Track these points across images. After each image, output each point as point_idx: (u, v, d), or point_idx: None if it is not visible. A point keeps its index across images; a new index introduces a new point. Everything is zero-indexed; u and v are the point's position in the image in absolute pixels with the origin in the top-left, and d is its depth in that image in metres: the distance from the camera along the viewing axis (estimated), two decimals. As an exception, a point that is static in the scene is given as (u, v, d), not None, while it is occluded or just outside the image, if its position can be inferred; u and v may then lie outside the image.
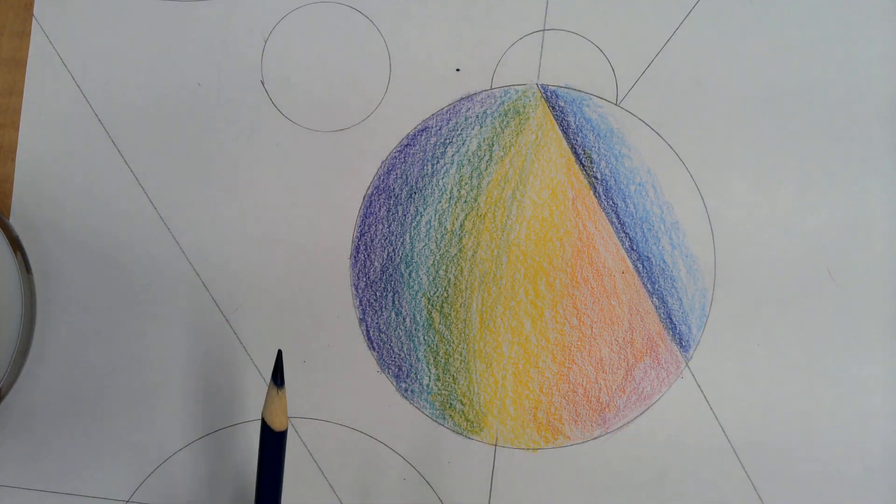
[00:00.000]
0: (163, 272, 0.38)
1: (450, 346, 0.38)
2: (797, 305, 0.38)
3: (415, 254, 0.38)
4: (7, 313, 0.35)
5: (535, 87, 0.39)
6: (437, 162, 0.38)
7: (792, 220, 0.38)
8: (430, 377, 0.37)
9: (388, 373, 0.37)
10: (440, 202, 0.38)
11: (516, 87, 0.39)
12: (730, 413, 0.37)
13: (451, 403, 0.37)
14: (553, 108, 0.38)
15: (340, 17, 0.39)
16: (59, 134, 0.38)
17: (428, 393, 0.37)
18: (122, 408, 0.37)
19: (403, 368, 0.37)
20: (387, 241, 0.38)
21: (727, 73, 0.39)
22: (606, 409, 0.37)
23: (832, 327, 0.38)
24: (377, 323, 0.38)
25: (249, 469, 0.37)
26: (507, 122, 0.38)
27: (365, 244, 0.38)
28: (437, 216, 0.38)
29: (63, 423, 0.37)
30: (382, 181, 0.38)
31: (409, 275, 0.38)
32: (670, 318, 0.38)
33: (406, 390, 0.37)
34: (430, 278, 0.38)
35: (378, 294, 0.38)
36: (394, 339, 0.38)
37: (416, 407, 0.37)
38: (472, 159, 0.38)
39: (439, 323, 0.38)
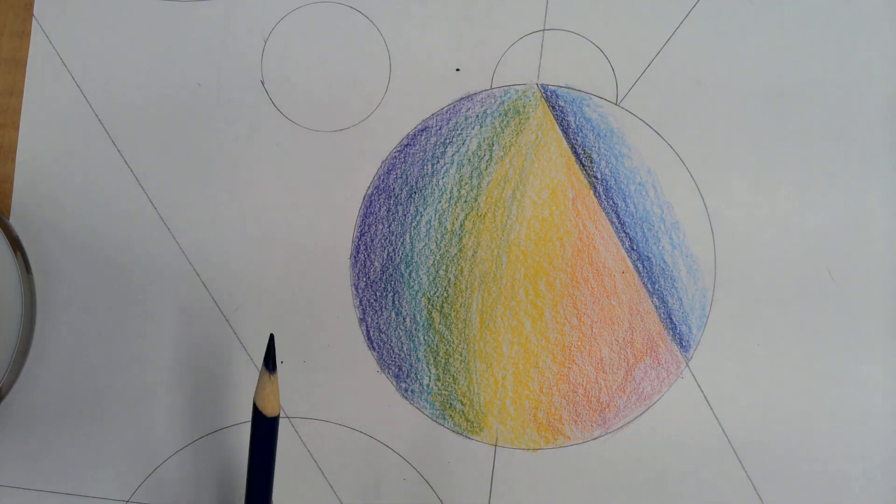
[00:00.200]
0: (163, 272, 0.38)
1: (450, 346, 0.38)
2: (797, 305, 0.38)
3: (415, 254, 0.38)
4: (7, 313, 0.35)
5: (535, 86, 0.39)
6: (437, 162, 0.38)
7: (792, 220, 0.38)
8: (430, 377, 0.37)
9: (388, 373, 0.37)
10: (440, 202, 0.38)
11: (516, 87, 0.39)
12: (730, 413, 0.37)
13: (451, 403, 0.37)
14: (553, 107, 0.38)
15: (340, 17, 0.39)
16: (59, 134, 0.38)
17: (428, 393, 0.37)
18: (122, 408, 0.37)
19: (403, 368, 0.37)
20: (387, 241, 0.38)
21: (727, 73, 0.39)
22: (606, 409, 0.37)
23: (832, 327, 0.38)
24: (377, 323, 0.38)
25: (249, 469, 0.37)
26: (507, 122, 0.38)
27: (365, 244, 0.38)
28: (437, 216, 0.38)
29: (63, 423, 0.37)
30: (382, 181, 0.38)
31: (409, 275, 0.38)
32: (670, 318, 0.38)
33: (406, 390, 0.37)
34: (430, 278, 0.38)
35: (378, 294, 0.38)
36: (394, 339, 0.38)
37: (416, 407, 0.37)
38: (472, 159, 0.38)
39: (439, 323, 0.38)
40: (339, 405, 0.37)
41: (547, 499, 0.37)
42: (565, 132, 0.38)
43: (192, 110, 0.38)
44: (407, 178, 0.38)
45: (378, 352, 0.38)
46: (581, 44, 0.39)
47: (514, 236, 0.38)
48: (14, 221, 0.38)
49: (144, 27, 0.39)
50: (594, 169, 0.38)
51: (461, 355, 0.38)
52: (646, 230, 0.38)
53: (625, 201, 0.38)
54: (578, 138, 0.38)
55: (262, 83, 0.38)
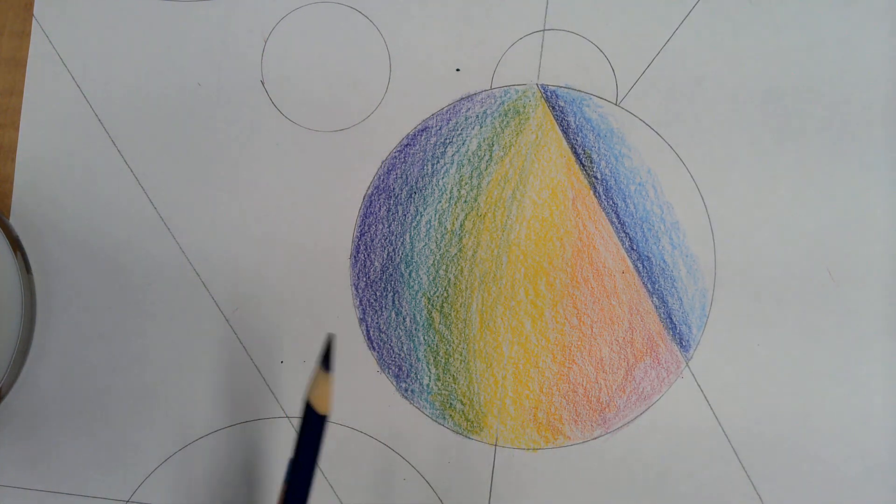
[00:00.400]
0: (163, 272, 0.38)
1: (450, 346, 0.38)
2: (797, 305, 0.38)
3: (415, 254, 0.38)
4: (7, 313, 0.35)
5: (535, 87, 0.39)
6: (437, 162, 0.38)
7: (792, 220, 0.38)
8: (430, 377, 0.37)
9: (388, 373, 0.37)
10: (440, 202, 0.38)
11: (516, 87, 0.39)
12: (730, 413, 0.37)
13: (451, 403, 0.37)
14: (553, 108, 0.38)
15: (340, 17, 0.39)
16: (59, 134, 0.38)
17: (428, 393, 0.37)
18: (122, 408, 0.37)
19: (403, 368, 0.37)
20: (387, 241, 0.38)
21: (727, 73, 0.39)
22: (606, 409, 0.37)
23: (832, 327, 0.38)
24: (377, 323, 0.38)
25: (250, 469, 0.37)
26: (507, 122, 0.38)
27: (365, 244, 0.38)
28: (437, 216, 0.38)
29: (63, 423, 0.37)
30: (382, 181, 0.38)
31: (409, 275, 0.38)
32: (670, 318, 0.38)
33: (406, 390, 0.37)
34: (430, 278, 0.38)
35: (378, 294, 0.38)
36: (394, 339, 0.38)
37: (416, 407, 0.37)
38: (472, 159, 0.38)
39: (439, 323, 0.38)
40: (339, 405, 0.37)
41: (547, 499, 0.37)
42: (565, 132, 0.38)
43: (192, 110, 0.38)
44: (407, 178, 0.38)
45: (378, 352, 0.38)
46: (581, 44, 0.39)
47: (514, 236, 0.38)
48: (14, 221, 0.38)
49: (144, 27, 0.39)
50: (594, 169, 0.38)
51: (461, 355, 0.38)
52: (646, 230, 0.38)
53: (625, 201, 0.38)
54: (578, 138, 0.38)
55: (262, 83, 0.38)
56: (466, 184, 0.38)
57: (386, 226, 0.38)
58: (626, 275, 0.38)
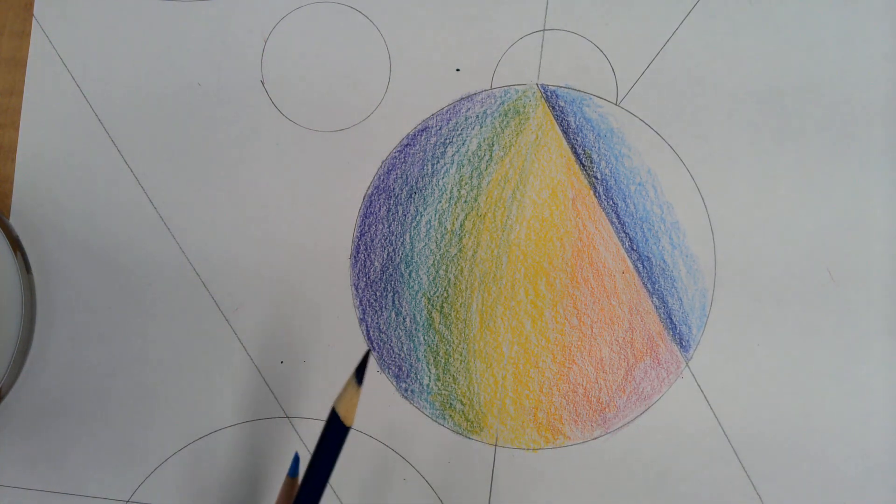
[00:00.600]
0: (163, 272, 0.38)
1: (450, 346, 0.38)
2: (797, 305, 0.38)
3: (415, 254, 0.38)
4: (7, 313, 0.35)
5: (535, 87, 0.39)
6: (437, 162, 0.38)
7: (792, 220, 0.38)
8: (430, 377, 0.37)
9: (388, 373, 0.37)
10: (440, 202, 0.38)
11: (516, 87, 0.39)
12: (730, 413, 0.37)
13: (451, 403, 0.37)
14: (553, 108, 0.38)
15: (340, 17, 0.39)
16: (59, 134, 0.38)
17: (428, 393, 0.37)
18: (122, 408, 0.37)
19: (403, 368, 0.37)
20: (387, 241, 0.38)
21: (727, 73, 0.39)
22: (606, 409, 0.37)
23: (832, 327, 0.38)
24: (377, 323, 0.38)
25: (250, 468, 0.37)
26: (507, 122, 0.38)
27: (365, 244, 0.38)
28: (437, 216, 0.38)
29: (63, 423, 0.37)
30: (382, 181, 0.38)
31: (409, 275, 0.38)
32: (670, 318, 0.38)
33: (406, 390, 0.37)
34: (430, 278, 0.38)
35: (378, 294, 0.38)
36: (394, 339, 0.38)
37: (416, 407, 0.37)
38: (472, 159, 0.38)
39: (439, 323, 0.38)
40: (339, 405, 0.37)
41: (547, 499, 0.37)
42: (565, 132, 0.38)
43: (192, 110, 0.38)
44: (407, 178, 0.38)
45: (378, 352, 0.38)
46: (581, 44, 0.39)
47: (514, 236, 0.38)
48: (14, 221, 0.38)
49: (144, 27, 0.39)
50: (594, 169, 0.38)
51: (461, 355, 0.38)
52: (646, 230, 0.38)
53: (625, 201, 0.38)
54: (578, 138, 0.38)
55: (262, 83, 0.38)
56: (466, 184, 0.38)
57: (386, 226, 0.38)
58: (626, 275, 0.38)
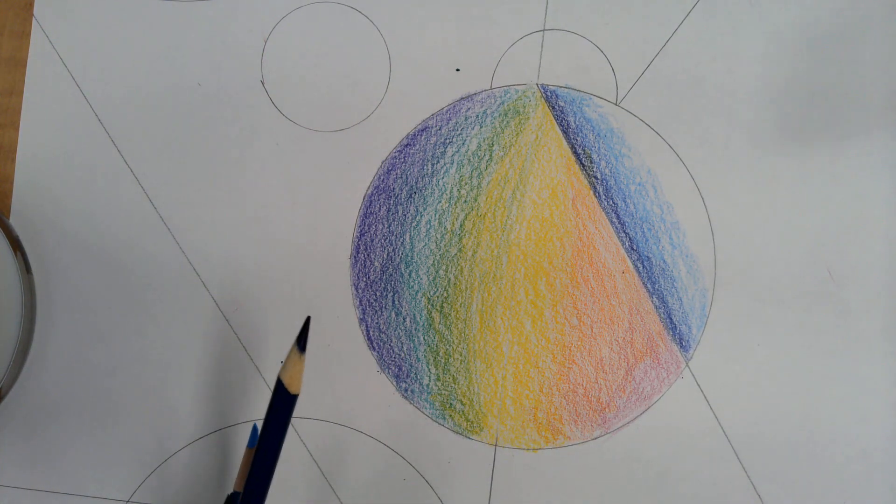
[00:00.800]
0: (163, 272, 0.38)
1: (450, 346, 0.38)
2: (797, 305, 0.38)
3: (415, 254, 0.38)
4: (7, 313, 0.35)
5: (535, 87, 0.39)
6: (437, 162, 0.38)
7: (792, 220, 0.38)
8: (430, 377, 0.37)
9: (388, 373, 0.37)
10: (440, 202, 0.38)
11: (516, 87, 0.39)
12: (730, 413, 0.37)
13: (451, 403, 0.37)
14: (553, 108, 0.38)
15: (340, 17, 0.39)
16: (59, 134, 0.38)
17: (428, 393, 0.37)
18: (122, 408, 0.37)
19: (403, 368, 0.37)
20: (387, 241, 0.38)
21: (727, 73, 0.39)
22: (606, 409, 0.37)
23: (832, 327, 0.38)
24: (377, 323, 0.38)
25: (249, 469, 0.37)
26: (507, 122, 0.38)
27: (365, 244, 0.38)
28: (437, 216, 0.38)
29: (63, 423, 0.37)
30: (382, 181, 0.38)
31: (409, 275, 0.38)
32: (670, 318, 0.38)
33: (406, 390, 0.37)
34: (430, 278, 0.38)
35: (378, 294, 0.38)
36: (394, 339, 0.38)
37: (416, 407, 0.37)
38: (472, 159, 0.38)
39: (439, 323, 0.38)
40: (339, 405, 0.37)
41: (547, 499, 0.37)
42: (565, 132, 0.38)
43: (192, 110, 0.38)
44: (407, 178, 0.38)
45: (378, 352, 0.38)
46: (581, 44, 0.39)
47: (514, 236, 0.38)
48: (14, 221, 0.38)
49: (144, 27, 0.39)
50: (594, 169, 0.38)
51: (461, 355, 0.38)
52: (646, 230, 0.38)
53: (625, 201, 0.38)
54: (578, 138, 0.38)
55: (262, 83, 0.38)
56: (466, 184, 0.38)
57: (386, 226, 0.38)
58: (626, 275, 0.38)
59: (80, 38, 0.39)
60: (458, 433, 0.37)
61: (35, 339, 0.37)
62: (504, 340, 0.38)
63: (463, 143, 0.38)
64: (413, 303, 0.38)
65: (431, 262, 0.38)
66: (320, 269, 0.38)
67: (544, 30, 0.39)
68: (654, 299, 0.38)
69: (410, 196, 0.38)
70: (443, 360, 0.38)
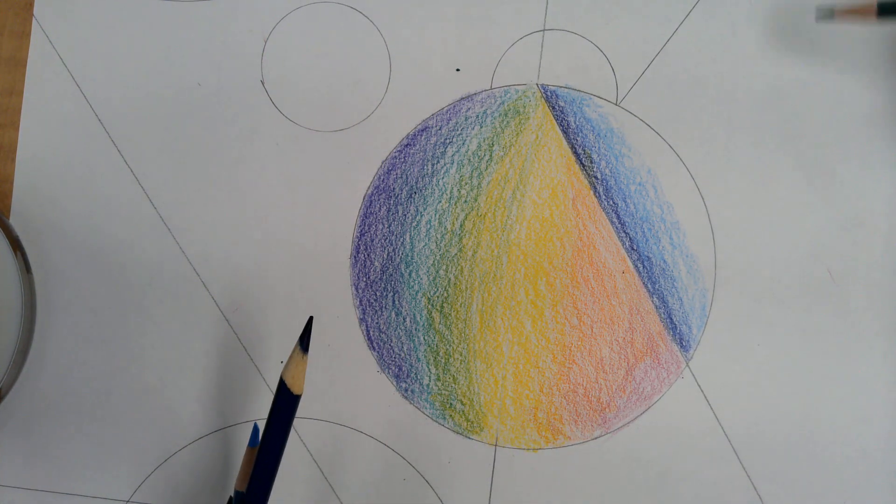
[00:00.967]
0: (163, 272, 0.38)
1: (450, 346, 0.38)
2: (797, 305, 0.38)
3: (415, 254, 0.38)
4: (7, 313, 0.35)
5: (535, 87, 0.39)
6: (437, 162, 0.38)
7: (792, 220, 0.38)
8: (430, 377, 0.37)
9: (388, 373, 0.37)
10: (440, 202, 0.38)
11: (516, 87, 0.39)
12: (730, 413, 0.37)
13: (451, 403, 0.37)
14: (553, 108, 0.38)
15: (340, 17, 0.39)
16: (59, 134, 0.38)
17: (428, 393, 0.37)
18: (122, 408, 0.37)
19: (403, 368, 0.37)
20: (387, 241, 0.38)
21: (727, 73, 0.39)
22: (607, 409, 0.37)
23: (832, 327, 0.38)
24: (377, 323, 0.38)
25: (249, 469, 0.37)
26: (507, 122, 0.38)
27: (365, 244, 0.38)
28: (437, 216, 0.38)
29: (63, 423, 0.37)
30: (382, 181, 0.38)
31: (409, 275, 0.38)
32: (670, 318, 0.38)
33: (406, 390, 0.37)
34: (430, 278, 0.38)
35: (378, 294, 0.38)
36: (394, 339, 0.38)
37: (416, 407, 0.37)
38: (472, 159, 0.38)
39: (439, 323, 0.38)
40: (339, 405, 0.37)
41: (547, 499, 0.37)
42: (565, 132, 0.38)
43: (192, 110, 0.38)
44: (407, 178, 0.38)
45: (378, 352, 0.38)
46: (581, 44, 0.39)
47: (514, 236, 0.38)
48: (14, 221, 0.38)
49: (144, 27, 0.39)
50: (594, 169, 0.38)
51: (461, 355, 0.38)
52: (646, 230, 0.38)
53: (625, 201, 0.38)
54: (578, 138, 0.38)
55: (262, 83, 0.38)
56: (466, 184, 0.38)
57: (386, 226, 0.38)
58: (627, 275, 0.38)
59: (80, 38, 0.39)
60: (458, 433, 0.37)
61: (35, 339, 0.37)
62: (504, 340, 0.38)
63: (463, 143, 0.38)
64: (413, 303, 0.38)
65: (431, 262, 0.38)
66: (320, 269, 0.38)
67: (544, 30, 0.39)
68: (655, 299, 0.38)
69: (410, 196, 0.38)
70: (443, 360, 0.38)
